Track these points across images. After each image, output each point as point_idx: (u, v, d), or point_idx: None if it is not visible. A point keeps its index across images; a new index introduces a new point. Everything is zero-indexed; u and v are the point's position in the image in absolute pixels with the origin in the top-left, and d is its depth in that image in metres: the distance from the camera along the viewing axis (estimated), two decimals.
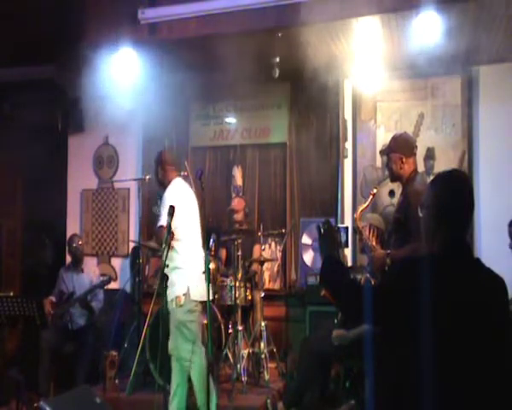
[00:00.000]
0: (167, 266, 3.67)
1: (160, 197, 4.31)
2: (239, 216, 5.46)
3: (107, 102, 6.12)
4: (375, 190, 3.94)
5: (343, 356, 4.17)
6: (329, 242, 2.24)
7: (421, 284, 1.88)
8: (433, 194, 2.11)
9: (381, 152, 4.32)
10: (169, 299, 4.00)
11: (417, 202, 3.34)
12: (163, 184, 4.33)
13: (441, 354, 1.88)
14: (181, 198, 4.17)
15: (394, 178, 3.86)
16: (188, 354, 3.90)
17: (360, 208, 3.90)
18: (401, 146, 3.80)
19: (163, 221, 3.91)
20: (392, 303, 1.96)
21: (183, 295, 3.96)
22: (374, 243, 3.75)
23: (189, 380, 4.08)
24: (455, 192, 2.06)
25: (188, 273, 4.03)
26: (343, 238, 2.39)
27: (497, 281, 2.04)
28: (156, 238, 4.33)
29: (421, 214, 2.14)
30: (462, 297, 1.93)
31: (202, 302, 4.02)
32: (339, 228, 2.37)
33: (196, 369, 3.95)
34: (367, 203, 3.87)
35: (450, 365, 1.90)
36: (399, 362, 1.97)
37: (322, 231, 2.26)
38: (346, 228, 2.34)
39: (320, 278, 2.16)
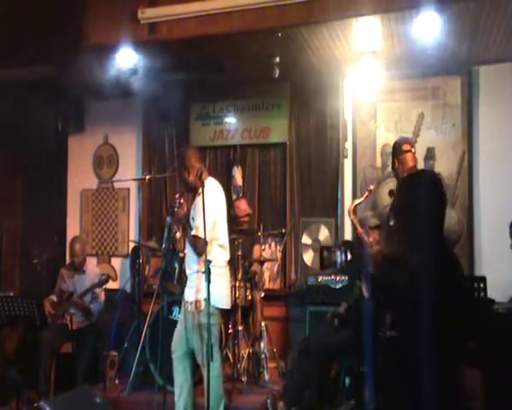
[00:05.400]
0: (210, 261, 3.46)
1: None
2: (246, 217, 5.47)
3: (107, 102, 6.14)
4: (371, 187, 4.02)
5: (343, 356, 4.18)
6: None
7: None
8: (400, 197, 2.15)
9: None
10: (188, 299, 3.83)
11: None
12: (193, 188, 3.87)
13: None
14: (221, 204, 3.91)
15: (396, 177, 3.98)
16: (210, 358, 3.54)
17: (355, 202, 3.89)
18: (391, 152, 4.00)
19: (201, 232, 3.62)
20: None
21: (204, 300, 3.62)
22: (371, 239, 3.80)
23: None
24: (419, 192, 2.09)
25: (221, 279, 3.84)
26: None
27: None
28: (194, 248, 3.76)
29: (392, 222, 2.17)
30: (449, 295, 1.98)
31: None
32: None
33: (214, 373, 3.68)
34: (362, 198, 3.90)
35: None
36: None
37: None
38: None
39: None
